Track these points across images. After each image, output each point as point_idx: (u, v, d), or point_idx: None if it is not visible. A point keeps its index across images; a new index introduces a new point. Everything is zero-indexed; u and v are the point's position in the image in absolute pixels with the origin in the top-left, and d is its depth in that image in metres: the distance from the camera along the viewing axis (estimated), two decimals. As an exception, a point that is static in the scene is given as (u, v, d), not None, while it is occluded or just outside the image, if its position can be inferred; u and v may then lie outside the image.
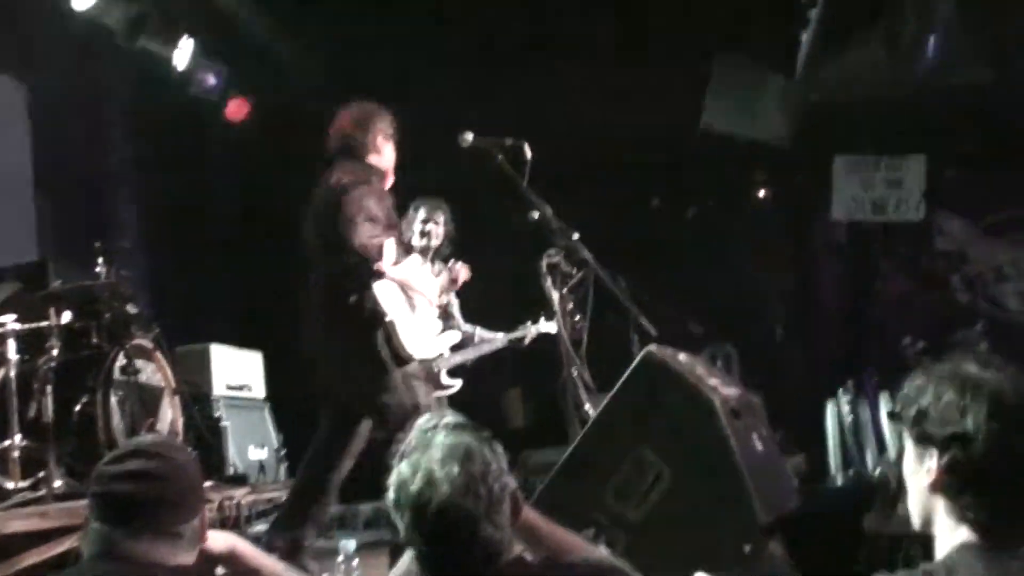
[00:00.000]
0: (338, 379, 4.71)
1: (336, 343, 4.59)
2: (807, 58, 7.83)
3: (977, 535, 1.89)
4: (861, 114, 8.58)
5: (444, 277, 5.85)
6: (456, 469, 2.07)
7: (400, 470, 2.12)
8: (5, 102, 7.85)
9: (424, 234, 5.90)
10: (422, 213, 5.93)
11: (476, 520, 2.06)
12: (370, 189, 4.50)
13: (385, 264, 4.37)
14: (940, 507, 1.94)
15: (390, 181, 4.81)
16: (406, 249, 4.90)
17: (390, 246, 4.36)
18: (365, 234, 4.31)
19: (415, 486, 2.07)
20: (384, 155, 4.77)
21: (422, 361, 5.66)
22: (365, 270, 4.39)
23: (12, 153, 7.50)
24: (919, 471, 1.97)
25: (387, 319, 4.39)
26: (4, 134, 7.21)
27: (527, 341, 6.04)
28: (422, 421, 2.22)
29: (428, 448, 2.11)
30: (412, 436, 2.18)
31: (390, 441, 4.26)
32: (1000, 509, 1.89)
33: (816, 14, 7.25)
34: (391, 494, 2.14)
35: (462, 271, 5.85)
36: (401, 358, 4.46)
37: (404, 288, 4.63)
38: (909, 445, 2.01)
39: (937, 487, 1.93)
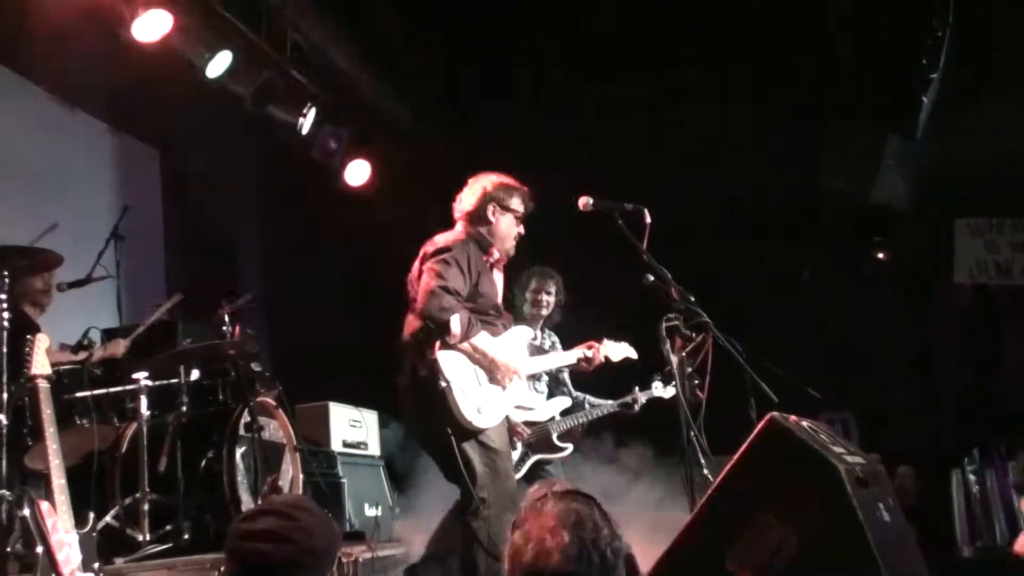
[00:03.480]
0: (421, 439, 4.83)
1: (411, 405, 4.64)
2: (928, 119, 7.71)
3: None
4: (984, 176, 8.39)
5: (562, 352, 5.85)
6: (567, 536, 2.07)
7: (513, 540, 2.14)
8: (139, 165, 8.22)
9: (535, 303, 5.94)
10: (533, 283, 5.97)
11: None
12: (456, 259, 4.49)
13: (455, 337, 4.37)
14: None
15: (498, 253, 4.80)
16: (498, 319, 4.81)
17: (457, 321, 4.34)
18: (435, 306, 4.33)
19: (528, 556, 2.08)
20: (496, 226, 4.77)
21: (534, 424, 5.71)
22: (433, 337, 4.40)
23: (145, 215, 7.84)
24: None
25: (442, 386, 4.36)
26: (138, 197, 7.53)
27: (637, 407, 5.98)
28: (532, 490, 2.24)
29: (538, 517, 2.12)
30: (523, 506, 2.20)
31: None
32: None
33: (938, 75, 7.15)
34: (506, 564, 2.16)
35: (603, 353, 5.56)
36: (461, 426, 4.43)
37: (480, 360, 4.57)
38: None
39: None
